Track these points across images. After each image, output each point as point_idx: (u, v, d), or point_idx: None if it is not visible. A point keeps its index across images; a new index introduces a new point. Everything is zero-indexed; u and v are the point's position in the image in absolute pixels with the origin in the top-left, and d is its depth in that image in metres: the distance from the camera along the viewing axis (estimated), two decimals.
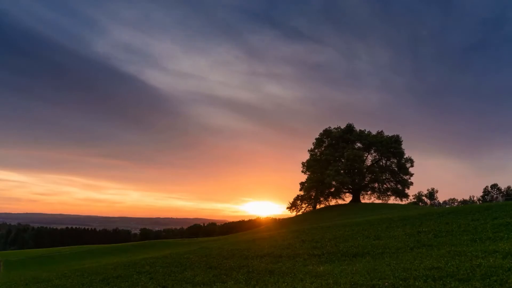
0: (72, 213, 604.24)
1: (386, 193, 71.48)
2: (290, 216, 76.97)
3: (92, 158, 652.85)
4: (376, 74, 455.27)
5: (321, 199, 72.47)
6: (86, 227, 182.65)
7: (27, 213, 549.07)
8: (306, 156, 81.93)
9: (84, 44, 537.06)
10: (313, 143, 75.49)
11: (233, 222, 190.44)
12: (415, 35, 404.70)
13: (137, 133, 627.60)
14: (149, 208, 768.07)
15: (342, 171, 67.72)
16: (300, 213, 71.86)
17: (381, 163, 72.26)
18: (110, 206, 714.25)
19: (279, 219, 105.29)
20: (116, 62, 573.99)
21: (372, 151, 72.57)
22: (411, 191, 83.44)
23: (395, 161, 70.72)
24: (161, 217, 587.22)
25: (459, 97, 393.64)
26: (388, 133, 72.32)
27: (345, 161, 67.12)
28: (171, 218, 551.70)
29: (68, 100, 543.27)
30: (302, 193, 72.78)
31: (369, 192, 72.91)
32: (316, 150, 74.68)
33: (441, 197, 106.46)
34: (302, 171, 74.24)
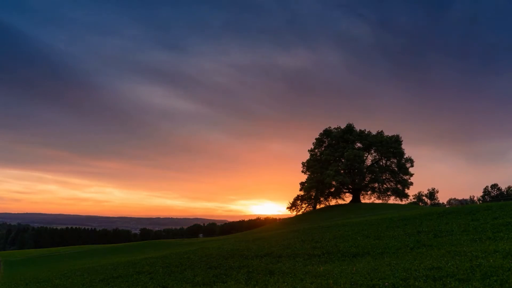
0: (72, 213, 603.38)
1: (386, 193, 71.48)
2: (290, 216, 77.07)
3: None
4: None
5: (321, 199, 72.49)
6: (86, 227, 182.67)
7: (27, 213, 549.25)
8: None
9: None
10: (313, 143, 75.58)
11: (233, 222, 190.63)
12: None
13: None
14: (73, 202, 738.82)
15: (342, 171, 67.74)
16: (300, 213, 71.91)
17: (381, 163, 72.26)
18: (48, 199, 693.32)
19: (279, 219, 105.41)
20: None
21: (372, 151, 72.58)
22: (411, 191, 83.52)
23: (395, 161, 70.72)
24: (161, 217, 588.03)
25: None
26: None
27: (345, 161, 67.14)
28: (171, 218, 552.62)
29: None
30: (302, 193, 72.85)
31: (369, 192, 72.94)
32: (316, 150, 74.70)
33: (441, 198, 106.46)
34: (302, 171, 74.34)
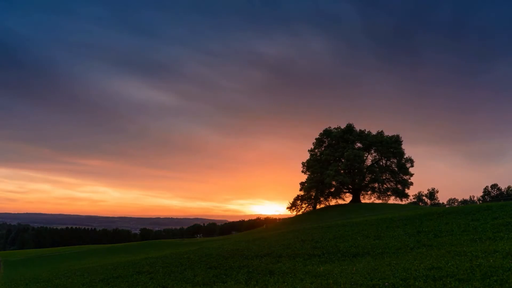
0: (72, 213, 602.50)
1: (386, 193, 71.48)
2: (290, 216, 77.09)
3: None
4: None
5: (321, 199, 72.51)
6: (86, 227, 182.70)
7: (27, 213, 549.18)
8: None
9: None
10: (313, 143, 75.60)
11: (233, 222, 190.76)
12: None
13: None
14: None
15: (342, 171, 67.74)
16: (300, 213, 71.92)
17: (381, 163, 72.26)
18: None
19: (279, 219, 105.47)
20: None
21: (372, 151, 72.59)
22: (411, 191, 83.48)
23: (395, 161, 70.72)
24: (161, 217, 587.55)
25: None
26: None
27: (345, 161, 67.13)
28: (171, 218, 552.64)
29: None
30: (302, 193, 72.87)
31: (369, 192, 72.94)
32: (316, 150, 74.71)
33: (441, 198, 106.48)
34: (302, 171, 74.36)
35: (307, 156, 76.01)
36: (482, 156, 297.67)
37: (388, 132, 72.71)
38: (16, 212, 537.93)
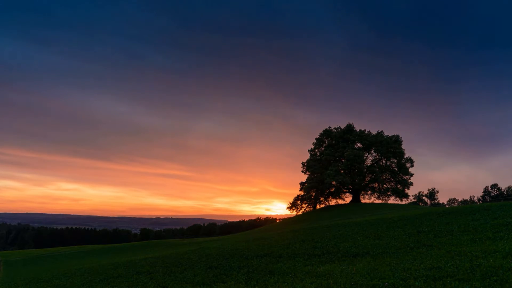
0: (72, 213, 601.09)
1: (386, 193, 71.53)
2: (290, 216, 77.12)
3: None
4: None
5: (321, 199, 72.57)
6: (86, 227, 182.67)
7: (27, 213, 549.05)
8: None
9: None
10: (313, 143, 75.66)
11: (233, 222, 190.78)
12: None
13: None
14: None
15: (342, 171, 67.75)
16: (300, 213, 71.96)
17: (381, 163, 72.29)
18: None
19: (279, 219, 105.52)
20: None
21: (372, 151, 72.62)
22: (411, 191, 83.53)
23: (395, 161, 70.76)
24: (161, 217, 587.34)
25: None
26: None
27: (345, 161, 67.17)
28: (171, 218, 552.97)
29: None
30: (302, 193, 72.90)
31: (369, 192, 72.99)
32: (316, 150, 74.78)
33: (441, 198, 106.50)
34: (302, 171, 74.39)
35: (305, 153, 76.12)
36: (483, 155, 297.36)
37: (388, 132, 72.91)
38: (16, 212, 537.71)
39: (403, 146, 70.51)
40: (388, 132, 72.73)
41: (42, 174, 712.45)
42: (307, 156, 76.76)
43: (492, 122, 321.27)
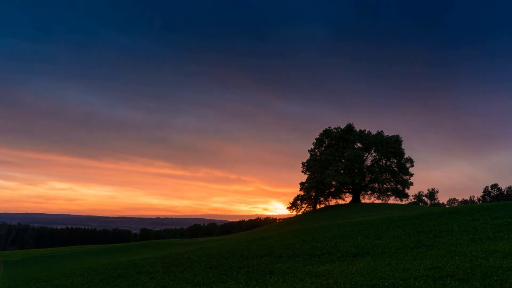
0: (72, 213, 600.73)
1: (386, 193, 71.58)
2: (290, 215, 77.13)
3: None
4: None
5: (321, 199, 72.60)
6: (86, 227, 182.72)
7: (27, 213, 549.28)
8: None
9: None
10: (313, 143, 75.70)
11: (233, 222, 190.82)
12: None
13: None
14: None
15: (342, 171, 67.78)
16: (300, 213, 71.97)
17: (381, 163, 72.32)
18: None
19: (279, 219, 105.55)
20: None
21: (372, 151, 72.66)
22: (411, 191, 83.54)
23: (395, 161, 70.80)
24: (161, 217, 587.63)
25: None
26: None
27: (345, 161, 67.18)
28: (171, 218, 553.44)
29: None
30: (302, 193, 72.91)
31: (369, 192, 73.04)
32: (316, 150, 74.82)
33: (441, 198, 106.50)
34: (302, 171, 74.41)
35: (306, 153, 76.15)
36: (483, 155, 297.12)
37: (388, 132, 72.95)
38: (16, 212, 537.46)
39: (403, 146, 70.63)
40: (383, 128, 72.96)
41: (33, 173, 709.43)
42: (296, 151, 77.95)
43: (492, 118, 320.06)
